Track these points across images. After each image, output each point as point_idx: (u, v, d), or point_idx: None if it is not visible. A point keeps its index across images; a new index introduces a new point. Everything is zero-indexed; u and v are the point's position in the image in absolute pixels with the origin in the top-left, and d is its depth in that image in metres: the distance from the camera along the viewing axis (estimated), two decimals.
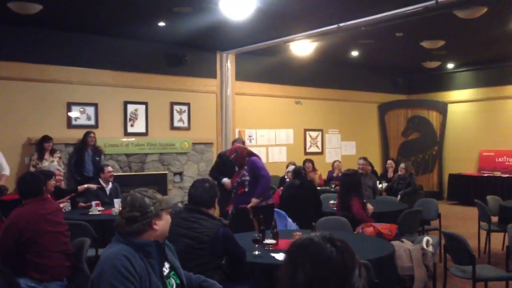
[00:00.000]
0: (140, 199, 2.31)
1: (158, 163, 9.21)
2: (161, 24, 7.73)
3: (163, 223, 2.35)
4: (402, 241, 4.16)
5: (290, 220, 5.44)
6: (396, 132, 13.14)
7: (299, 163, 9.19)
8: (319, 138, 11.92)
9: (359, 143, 12.50)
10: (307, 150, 11.58)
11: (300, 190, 5.97)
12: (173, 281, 2.40)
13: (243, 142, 6.91)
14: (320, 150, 11.87)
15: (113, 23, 7.76)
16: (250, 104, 10.52)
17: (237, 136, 7.40)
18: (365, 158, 7.79)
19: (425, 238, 4.17)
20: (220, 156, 7.24)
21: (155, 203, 2.33)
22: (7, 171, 6.90)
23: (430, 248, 4.05)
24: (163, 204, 2.38)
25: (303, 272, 1.28)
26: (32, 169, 7.31)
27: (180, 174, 9.45)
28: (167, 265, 2.40)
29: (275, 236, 3.97)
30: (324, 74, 11.41)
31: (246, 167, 5.50)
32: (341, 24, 7.52)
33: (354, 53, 10.36)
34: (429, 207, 6.58)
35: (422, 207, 6.30)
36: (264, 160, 10.68)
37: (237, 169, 5.69)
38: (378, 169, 10.87)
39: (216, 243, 3.15)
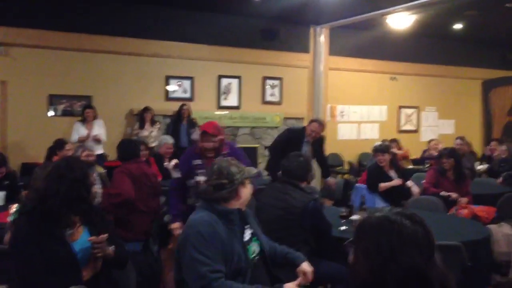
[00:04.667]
0: (227, 168, 2.43)
1: (250, 136, 9.40)
2: None
3: (246, 191, 2.46)
4: (501, 226, 3.92)
5: (379, 198, 5.33)
6: (501, 111, 12.19)
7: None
8: (415, 116, 11.43)
9: (458, 122, 11.81)
10: (401, 128, 11.18)
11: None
12: (254, 247, 2.48)
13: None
14: (415, 128, 11.40)
15: None
16: (343, 79, 10.32)
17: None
18: (462, 138, 7.38)
19: None
20: (292, 133, 6.21)
21: (240, 171, 2.45)
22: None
23: None
24: (246, 173, 2.48)
25: (389, 250, 1.29)
26: (134, 138, 7.79)
27: None
28: (248, 231, 2.49)
29: (362, 213, 3.91)
30: (423, 48, 10.83)
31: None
32: None
33: (457, 26, 9.70)
34: None
35: None
36: (355, 136, 10.57)
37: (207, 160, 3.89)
38: (479, 149, 10.23)
39: (305, 215, 3.17)
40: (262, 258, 2.49)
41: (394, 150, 8.25)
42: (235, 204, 2.41)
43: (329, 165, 6.61)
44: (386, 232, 1.31)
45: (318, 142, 6.13)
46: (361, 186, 5.73)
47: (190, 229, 2.29)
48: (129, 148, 4.22)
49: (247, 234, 2.47)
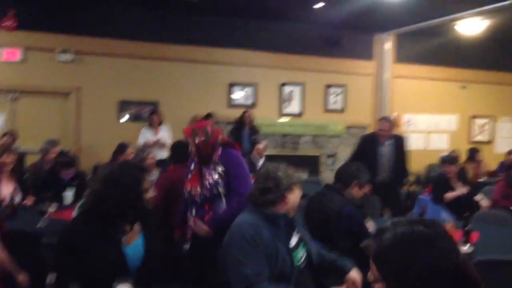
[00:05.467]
0: (274, 172, 2.42)
1: (312, 144, 9.34)
2: (318, 5, 7.72)
3: (293, 197, 2.43)
4: None
5: (444, 210, 5.10)
6: None
7: (463, 152, 8.56)
8: (489, 126, 10.85)
9: None
10: (473, 139, 10.63)
11: None
12: (301, 254, 2.43)
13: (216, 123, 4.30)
14: (488, 139, 10.81)
15: (272, 6, 7.98)
16: (409, 87, 10.01)
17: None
18: None
19: None
20: (365, 140, 5.99)
21: (287, 176, 2.42)
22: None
23: None
24: (294, 179, 2.45)
25: (418, 263, 1.23)
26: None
27: (333, 156, 9.44)
28: (295, 237, 2.45)
29: None
30: (496, 55, 10.26)
31: (217, 165, 3.19)
32: None
33: None
34: None
35: None
36: (422, 146, 10.18)
37: (196, 166, 3.29)
38: None
39: (339, 219, 3.11)
40: (309, 265, 2.45)
41: (482, 167, 7.81)
42: (281, 209, 2.39)
43: (405, 173, 6.06)
44: (405, 247, 1.25)
45: (398, 143, 5.74)
46: (424, 197, 5.52)
47: (234, 232, 2.30)
48: (177, 151, 4.32)
49: (294, 240, 2.43)
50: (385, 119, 5.86)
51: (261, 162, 7.04)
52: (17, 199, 4.34)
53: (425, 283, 1.20)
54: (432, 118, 10.34)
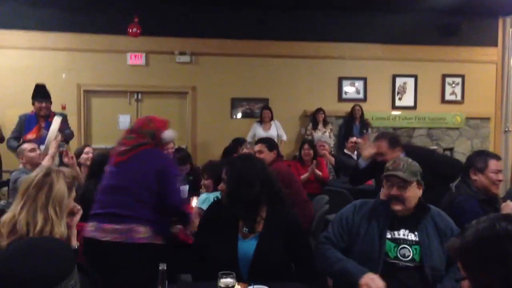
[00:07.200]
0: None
1: (427, 137, 8.93)
2: None
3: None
4: None
5: None
6: None
7: None
8: None
9: None
10: None
11: None
12: (406, 251, 2.40)
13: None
14: None
15: None
16: None
17: None
18: None
19: None
20: None
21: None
22: (284, 137, 8.07)
23: None
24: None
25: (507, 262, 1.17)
26: (308, 137, 8.01)
27: (451, 150, 8.92)
28: (403, 232, 2.45)
29: None
30: None
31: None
32: None
33: None
34: None
35: None
36: None
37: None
38: None
39: (451, 208, 2.90)
40: (419, 268, 2.37)
41: None
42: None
43: None
44: (486, 244, 1.19)
45: None
46: None
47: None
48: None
49: (401, 233, 2.44)
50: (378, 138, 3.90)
51: (355, 155, 6.98)
52: None
53: (509, 282, 1.14)
54: None
